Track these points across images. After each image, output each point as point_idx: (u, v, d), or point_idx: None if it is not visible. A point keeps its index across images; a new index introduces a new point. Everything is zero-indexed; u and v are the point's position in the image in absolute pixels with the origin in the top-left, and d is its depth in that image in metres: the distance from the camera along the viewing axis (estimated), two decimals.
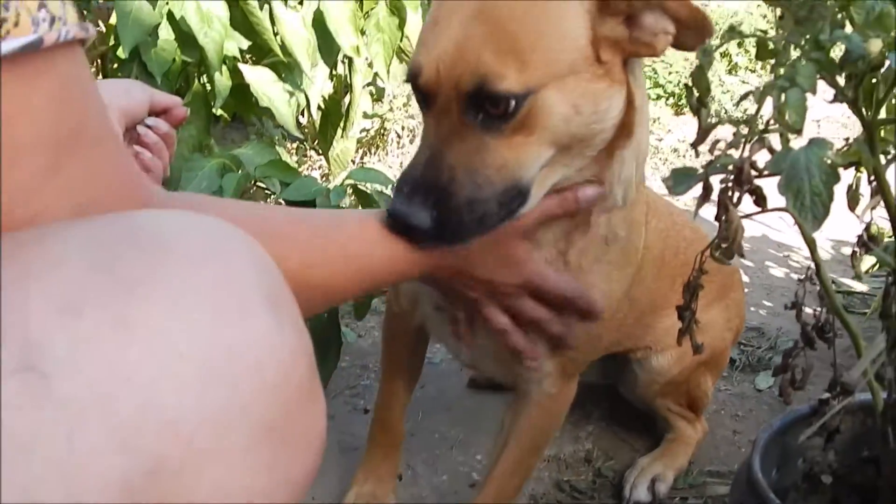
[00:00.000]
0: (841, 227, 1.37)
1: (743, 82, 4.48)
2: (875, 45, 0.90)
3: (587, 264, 1.34)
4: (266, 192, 2.11)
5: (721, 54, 4.98)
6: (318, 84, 2.39)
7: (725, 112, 4.28)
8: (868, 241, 1.15)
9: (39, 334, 0.59)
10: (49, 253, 0.64)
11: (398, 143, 3.51)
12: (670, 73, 4.50)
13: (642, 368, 1.85)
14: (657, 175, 3.80)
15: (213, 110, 2.16)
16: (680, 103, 4.38)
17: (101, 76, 2.17)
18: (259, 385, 0.65)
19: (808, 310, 1.18)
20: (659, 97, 4.42)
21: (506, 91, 1.07)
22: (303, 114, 2.60)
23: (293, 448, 0.69)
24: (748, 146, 0.95)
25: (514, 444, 1.52)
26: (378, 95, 3.21)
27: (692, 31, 1.13)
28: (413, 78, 1.15)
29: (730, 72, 5.03)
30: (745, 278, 2.69)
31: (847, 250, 2.73)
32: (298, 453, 0.70)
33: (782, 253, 2.88)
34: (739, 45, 5.09)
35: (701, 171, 0.98)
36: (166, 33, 2.01)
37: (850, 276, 2.56)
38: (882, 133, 1.01)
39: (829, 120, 4.53)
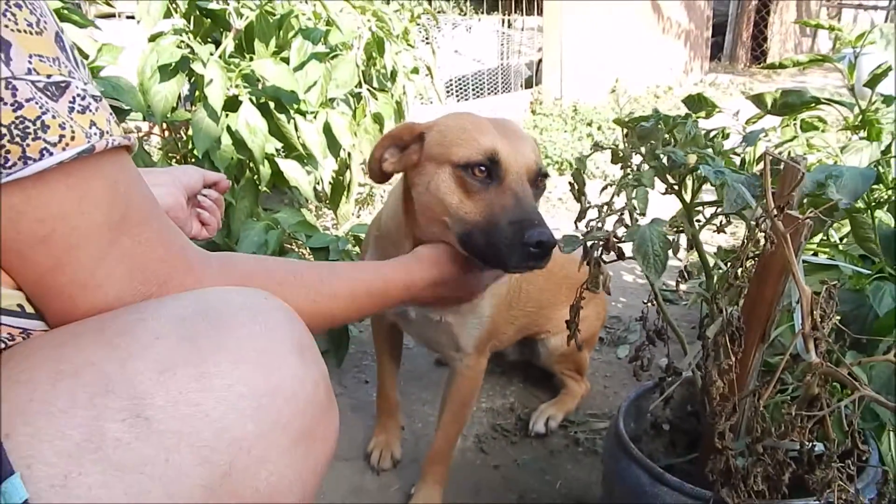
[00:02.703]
0: None
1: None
2: (691, 158, 0.90)
3: None
4: (296, 240, 2.09)
5: (588, 135, 5.01)
6: (328, 168, 2.36)
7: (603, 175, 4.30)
8: (686, 274, 1.15)
9: (145, 390, 0.58)
10: (151, 330, 0.63)
11: (381, 201, 3.48)
12: (555, 148, 4.52)
13: (544, 346, 1.87)
14: (550, 215, 3.81)
15: (259, 188, 2.13)
16: (562, 167, 4.39)
17: None
18: (294, 408, 0.66)
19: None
20: (548, 165, 4.42)
21: (546, 175, 1.18)
22: (319, 183, 2.57)
23: (318, 444, 0.70)
24: (611, 224, 0.95)
25: (449, 404, 1.53)
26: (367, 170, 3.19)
27: None
28: (488, 159, 1.14)
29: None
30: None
31: (673, 262, 2.75)
32: (322, 447, 0.71)
33: (630, 265, 2.89)
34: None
35: (581, 238, 0.97)
36: (226, 140, 1.97)
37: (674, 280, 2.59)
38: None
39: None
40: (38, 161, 0.58)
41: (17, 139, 0.57)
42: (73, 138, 0.60)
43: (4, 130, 0.56)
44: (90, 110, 0.63)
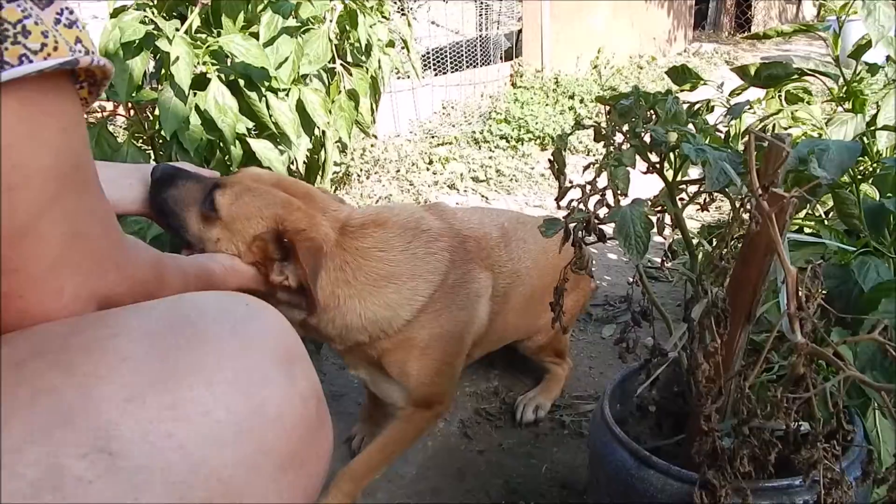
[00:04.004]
0: None
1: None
2: (672, 135, 0.91)
3: None
4: None
5: (569, 107, 5.01)
6: (303, 148, 2.34)
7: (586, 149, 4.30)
8: (671, 253, 1.16)
9: (110, 420, 0.54)
10: (119, 349, 0.58)
11: (358, 180, 3.46)
12: (536, 122, 4.51)
13: (523, 344, 1.87)
14: (533, 191, 3.81)
15: (231, 170, 2.10)
16: (544, 142, 4.38)
17: (152, 152, 2.10)
18: (280, 430, 0.62)
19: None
20: (530, 139, 4.41)
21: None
22: (293, 163, 2.55)
23: (309, 465, 0.66)
24: (592, 204, 0.95)
25: (383, 435, 1.49)
26: (343, 148, 3.16)
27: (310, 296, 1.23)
28: None
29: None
30: (592, 260, 2.70)
31: (658, 238, 2.76)
32: (313, 468, 0.66)
33: (615, 243, 2.90)
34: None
35: (563, 220, 0.98)
36: (195, 120, 1.94)
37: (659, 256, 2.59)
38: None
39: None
40: (15, 67, 0.52)
41: None
42: (55, 49, 0.55)
43: None
44: (77, 26, 0.58)
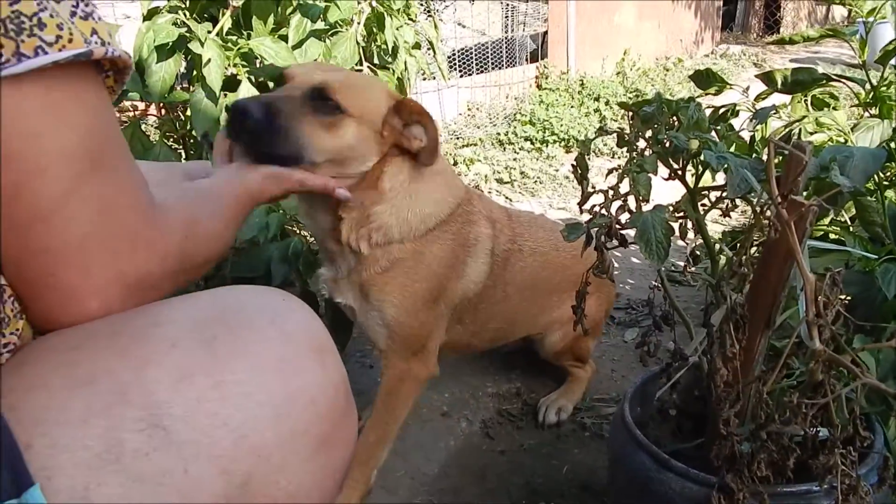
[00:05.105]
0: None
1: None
2: (694, 143, 0.92)
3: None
4: (298, 223, 2.11)
5: (596, 114, 4.99)
6: None
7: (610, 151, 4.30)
8: (693, 258, 1.17)
9: (162, 399, 0.59)
10: (167, 336, 0.63)
11: None
12: (561, 124, 4.51)
13: (540, 345, 1.88)
14: (557, 193, 3.81)
15: None
16: (569, 144, 4.38)
17: (183, 151, 2.15)
18: (313, 414, 0.67)
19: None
20: (554, 141, 4.41)
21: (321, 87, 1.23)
22: None
23: (338, 449, 0.71)
24: (614, 209, 0.96)
25: (374, 408, 1.50)
26: None
27: (429, 150, 1.30)
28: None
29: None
30: (616, 264, 2.70)
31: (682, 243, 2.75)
32: (341, 451, 0.72)
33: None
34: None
35: (585, 225, 0.99)
36: (225, 120, 1.98)
37: (683, 259, 2.58)
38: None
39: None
40: (31, 59, 0.55)
41: (12, 34, 0.55)
42: (70, 41, 0.57)
43: None
44: (93, 18, 0.61)
